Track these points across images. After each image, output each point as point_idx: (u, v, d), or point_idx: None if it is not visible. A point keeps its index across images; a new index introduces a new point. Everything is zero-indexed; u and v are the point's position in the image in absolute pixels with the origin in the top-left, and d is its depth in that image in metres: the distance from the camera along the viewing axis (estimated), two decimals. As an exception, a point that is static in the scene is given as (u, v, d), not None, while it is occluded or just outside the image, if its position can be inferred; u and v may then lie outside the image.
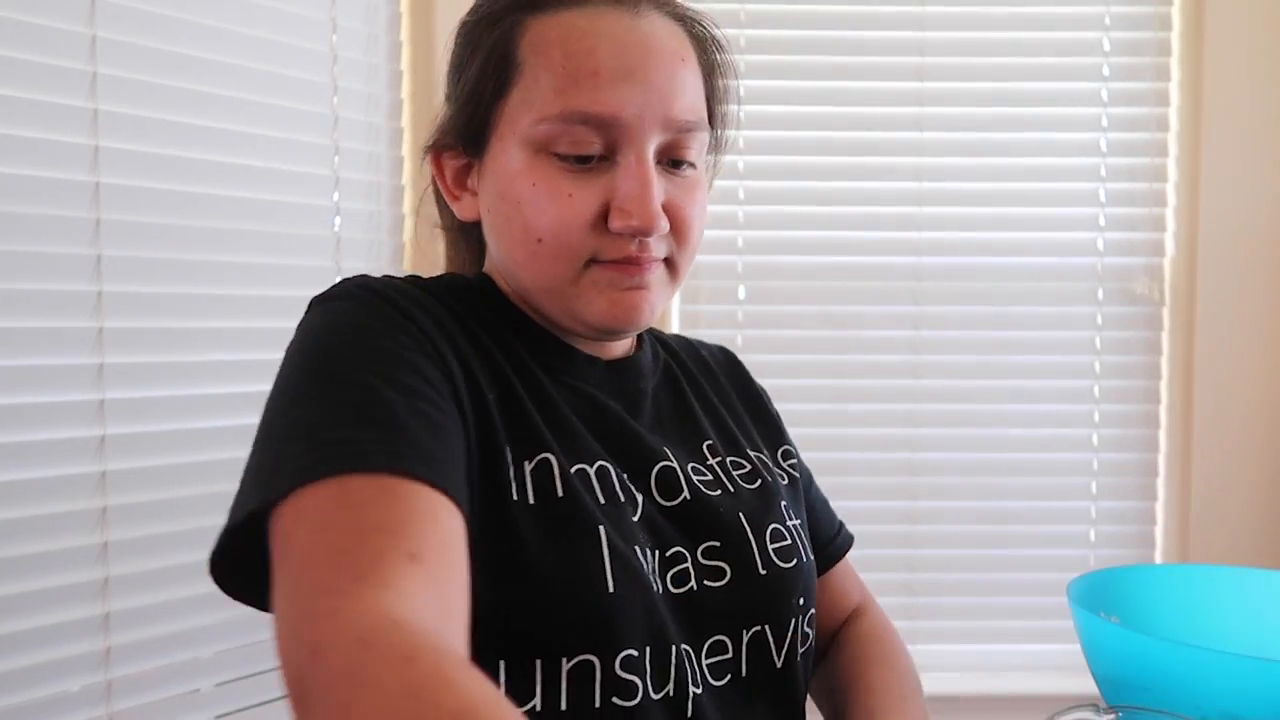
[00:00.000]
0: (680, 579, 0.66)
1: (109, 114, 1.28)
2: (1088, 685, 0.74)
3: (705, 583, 0.67)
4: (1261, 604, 0.81)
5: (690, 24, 0.69)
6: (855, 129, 1.85)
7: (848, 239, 1.85)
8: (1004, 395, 1.88)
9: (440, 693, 0.41)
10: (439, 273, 0.76)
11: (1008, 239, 1.87)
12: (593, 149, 0.64)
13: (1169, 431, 1.88)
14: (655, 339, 0.84)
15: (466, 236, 0.80)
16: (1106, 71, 1.86)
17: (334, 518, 0.50)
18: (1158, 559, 1.88)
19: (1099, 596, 0.78)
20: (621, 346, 0.77)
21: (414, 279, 0.69)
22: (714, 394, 0.82)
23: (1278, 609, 0.81)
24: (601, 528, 0.61)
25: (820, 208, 1.85)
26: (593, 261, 0.66)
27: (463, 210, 0.73)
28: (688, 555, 0.67)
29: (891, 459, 1.85)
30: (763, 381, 0.93)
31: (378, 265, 1.62)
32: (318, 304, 0.66)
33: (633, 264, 0.66)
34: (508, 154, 0.66)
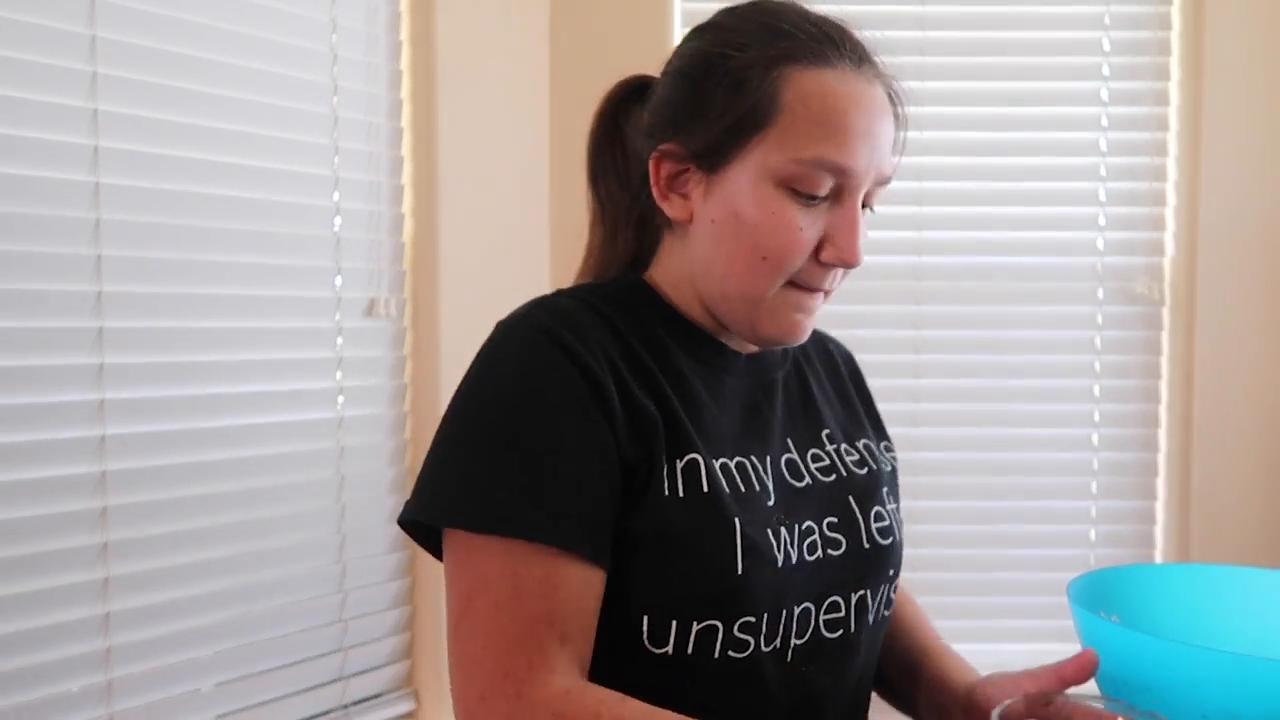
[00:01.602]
0: (812, 548, 0.79)
1: (109, 114, 1.28)
2: (1087, 685, 0.74)
3: (828, 551, 0.80)
4: (1261, 604, 0.81)
5: (890, 85, 0.81)
6: (855, 129, 1.85)
7: (848, 239, 1.85)
8: (1004, 395, 1.88)
9: None
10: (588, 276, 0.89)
11: (1008, 239, 1.87)
12: (823, 191, 0.76)
13: (1169, 431, 1.88)
14: None
15: (641, 229, 0.89)
16: (1106, 71, 1.86)
17: (505, 603, 0.69)
18: (1158, 559, 1.88)
19: (1099, 596, 0.78)
20: None
21: (583, 296, 0.80)
22: (832, 386, 0.94)
23: (1278, 609, 0.80)
24: (737, 519, 0.74)
25: (820, 208, 1.85)
26: (789, 283, 0.78)
27: (672, 210, 0.81)
28: (816, 529, 0.80)
29: (891, 459, 1.85)
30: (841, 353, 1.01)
31: (377, 265, 1.62)
32: (500, 332, 0.77)
33: (818, 291, 0.79)
34: (750, 180, 0.76)
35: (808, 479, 0.83)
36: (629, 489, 0.73)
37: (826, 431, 0.88)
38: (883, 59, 0.82)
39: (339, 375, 1.56)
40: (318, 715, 1.53)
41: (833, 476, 0.85)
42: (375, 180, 1.63)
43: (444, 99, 1.68)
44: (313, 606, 1.51)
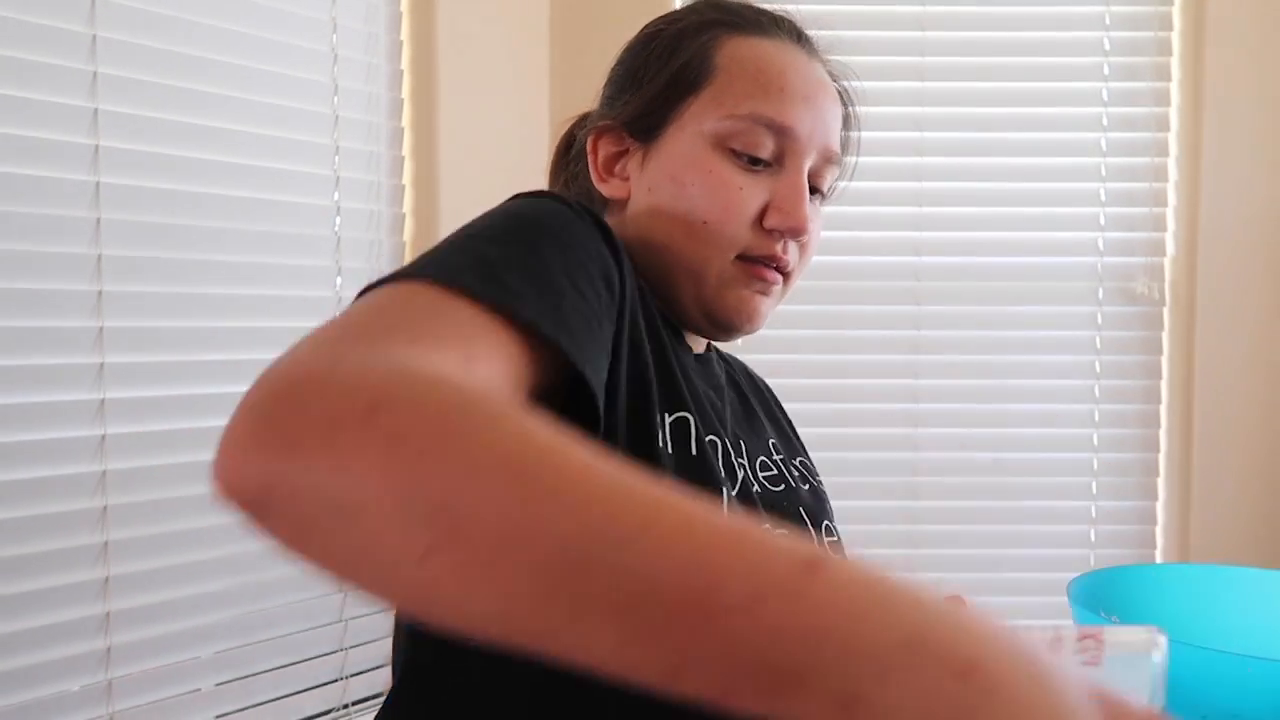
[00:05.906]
0: None
1: (109, 114, 1.28)
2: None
3: None
4: (1261, 604, 0.81)
5: (836, 79, 0.81)
6: (855, 129, 1.85)
7: (847, 239, 1.85)
8: (1004, 395, 1.88)
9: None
10: None
11: (1008, 239, 1.87)
12: (764, 152, 0.73)
13: (1169, 431, 1.88)
14: (713, 346, 0.89)
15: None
16: (1106, 71, 1.86)
17: (429, 305, 0.48)
18: (1158, 559, 1.87)
19: (1099, 596, 0.78)
20: (701, 343, 0.84)
21: None
22: (758, 404, 0.89)
23: (1278, 609, 0.81)
24: (725, 489, 0.68)
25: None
26: (739, 257, 0.74)
27: (610, 189, 0.79)
28: None
29: (891, 459, 1.85)
30: (764, 381, 0.98)
31: (378, 265, 1.62)
32: (524, 194, 0.67)
33: (771, 266, 0.75)
34: (685, 143, 0.74)
35: (756, 486, 0.77)
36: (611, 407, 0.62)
37: (771, 441, 0.84)
38: (834, 56, 0.82)
39: (339, 375, 1.56)
40: (318, 715, 1.53)
41: (781, 487, 0.79)
42: (376, 180, 1.63)
43: (444, 99, 1.68)
44: (313, 606, 1.51)
